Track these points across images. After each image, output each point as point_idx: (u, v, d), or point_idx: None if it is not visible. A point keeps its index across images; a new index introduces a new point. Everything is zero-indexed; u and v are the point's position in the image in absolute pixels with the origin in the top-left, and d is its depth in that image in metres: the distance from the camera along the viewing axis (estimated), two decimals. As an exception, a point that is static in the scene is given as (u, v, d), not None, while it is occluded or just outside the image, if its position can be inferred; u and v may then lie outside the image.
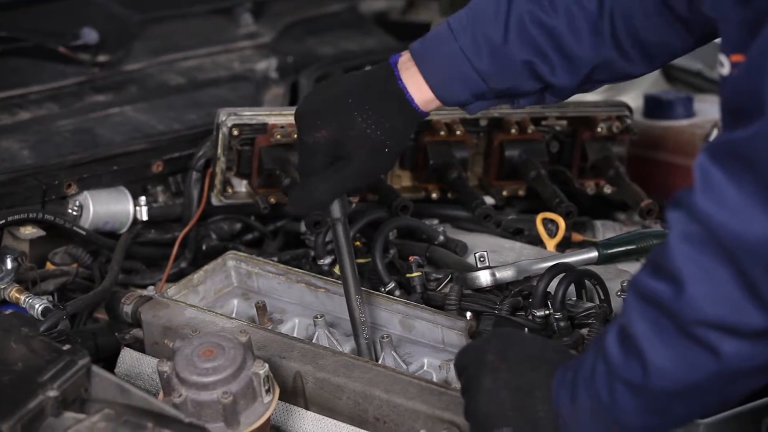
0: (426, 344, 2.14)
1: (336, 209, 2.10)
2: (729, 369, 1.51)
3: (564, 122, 2.68)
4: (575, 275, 2.15)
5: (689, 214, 1.50)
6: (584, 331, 2.09)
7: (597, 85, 2.08)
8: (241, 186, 2.57)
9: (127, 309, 2.23)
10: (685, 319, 1.50)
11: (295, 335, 2.18)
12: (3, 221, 2.34)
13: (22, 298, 2.23)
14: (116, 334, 2.24)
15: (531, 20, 1.97)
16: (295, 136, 2.44)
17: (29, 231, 2.40)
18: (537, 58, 1.98)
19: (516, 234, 2.54)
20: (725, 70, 1.62)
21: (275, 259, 2.43)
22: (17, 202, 2.40)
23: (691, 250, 1.49)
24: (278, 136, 2.48)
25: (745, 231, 1.45)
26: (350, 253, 2.12)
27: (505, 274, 2.23)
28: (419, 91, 2.02)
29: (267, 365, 1.85)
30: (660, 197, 2.58)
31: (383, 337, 2.09)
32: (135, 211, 2.55)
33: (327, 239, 2.37)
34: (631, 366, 1.56)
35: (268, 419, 1.87)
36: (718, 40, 1.68)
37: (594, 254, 2.32)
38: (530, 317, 2.11)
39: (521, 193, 2.66)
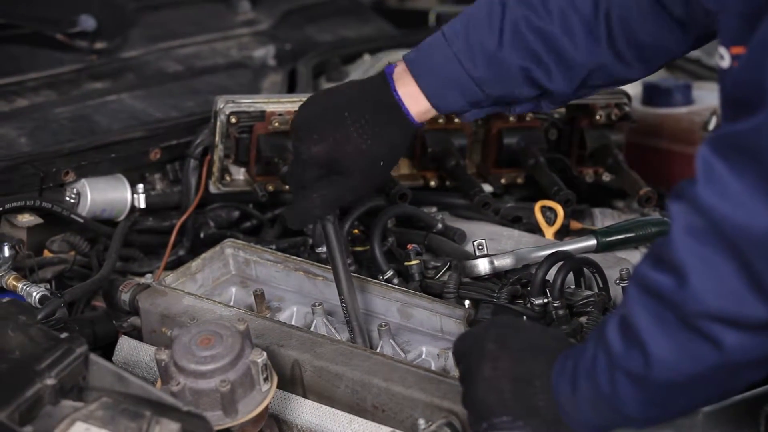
0: (424, 332, 2.14)
1: None
2: (731, 361, 1.51)
3: (562, 110, 2.68)
4: (574, 263, 2.14)
5: (692, 207, 1.49)
6: (583, 319, 2.09)
7: (594, 90, 2.07)
8: (239, 174, 2.56)
9: (125, 297, 2.22)
10: (688, 311, 1.50)
11: (293, 323, 2.17)
12: (0, 209, 2.34)
13: (20, 285, 2.22)
14: (114, 322, 2.24)
15: (525, 25, 1.96)
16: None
17: (27, 218, 2.39)
18: (532, 63, 1.98)
19: (514, 222, 2.54)
20: (725, 62, 1.61)
21: (273, 247, 2.43)
22: (15, 190, 2.39)
23: (694, 243, 1.49)
24: (276, 124, 2.48)
25: (749, 223, 1.44)
26: (341, 252, 2.11)
27: (504, 262, 2.23)
28: (415, 102, 2.02)
29: (265, 353, 1.85)
30: (659, 185, 2.59)
31: (381, 326, 2.08)
32: (133, 198, 2.54)
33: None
34: (633, 357, 1.56)
35: (267, 407, 1.87)
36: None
37: (593, 242, 2.32)
38: (529, 305, 2.11)
39: (520, 180, 2.66)
